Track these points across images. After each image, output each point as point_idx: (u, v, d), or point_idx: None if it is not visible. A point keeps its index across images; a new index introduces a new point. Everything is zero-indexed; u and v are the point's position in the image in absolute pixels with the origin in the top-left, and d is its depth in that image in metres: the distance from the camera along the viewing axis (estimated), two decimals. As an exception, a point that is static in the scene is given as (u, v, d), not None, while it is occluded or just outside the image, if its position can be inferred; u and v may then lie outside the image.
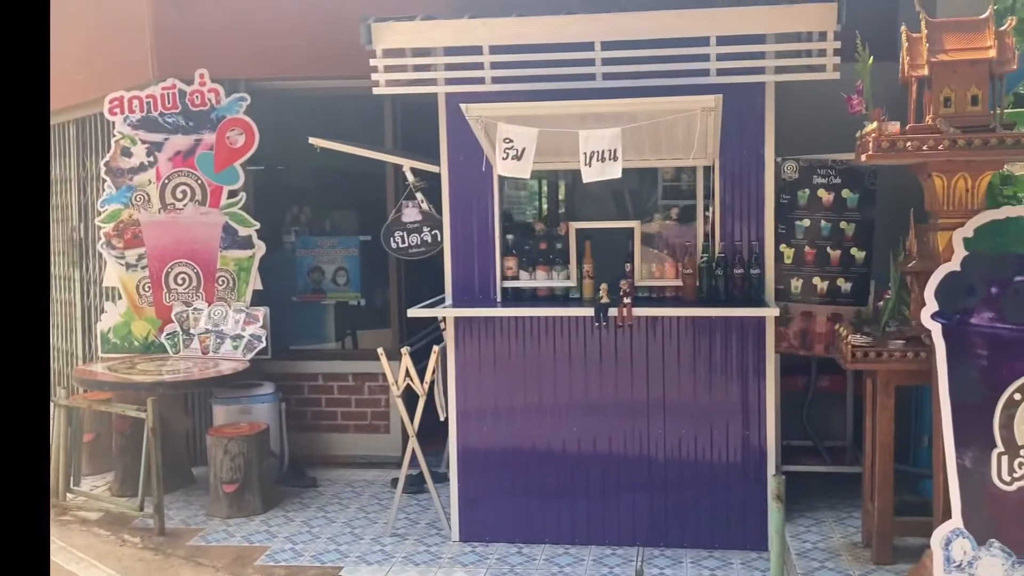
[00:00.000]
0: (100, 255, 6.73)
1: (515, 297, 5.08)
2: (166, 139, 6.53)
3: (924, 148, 3.68)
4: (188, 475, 6.32)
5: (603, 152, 4.19)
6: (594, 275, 4.97)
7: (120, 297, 6.65)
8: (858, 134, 4.06)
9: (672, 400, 4.84)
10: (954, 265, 3.74)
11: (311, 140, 5.41)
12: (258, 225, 6.51)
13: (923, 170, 3.87)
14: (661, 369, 4.84)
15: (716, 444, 4.82)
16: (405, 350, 5.13)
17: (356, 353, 6.97)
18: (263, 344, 6.37)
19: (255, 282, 6.54)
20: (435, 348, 5.09)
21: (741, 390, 4.78)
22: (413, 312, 4.87)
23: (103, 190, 6.62)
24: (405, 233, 5.32)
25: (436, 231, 5.34)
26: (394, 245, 5.39)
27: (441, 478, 5.87)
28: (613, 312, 4.68)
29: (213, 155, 6.47)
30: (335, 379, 6.91)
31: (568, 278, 5.02)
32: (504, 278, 5.05)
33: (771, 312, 4.59)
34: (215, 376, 5.92)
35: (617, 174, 4.19)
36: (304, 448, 6.76)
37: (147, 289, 6.60)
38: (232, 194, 6.50)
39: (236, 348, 6.37)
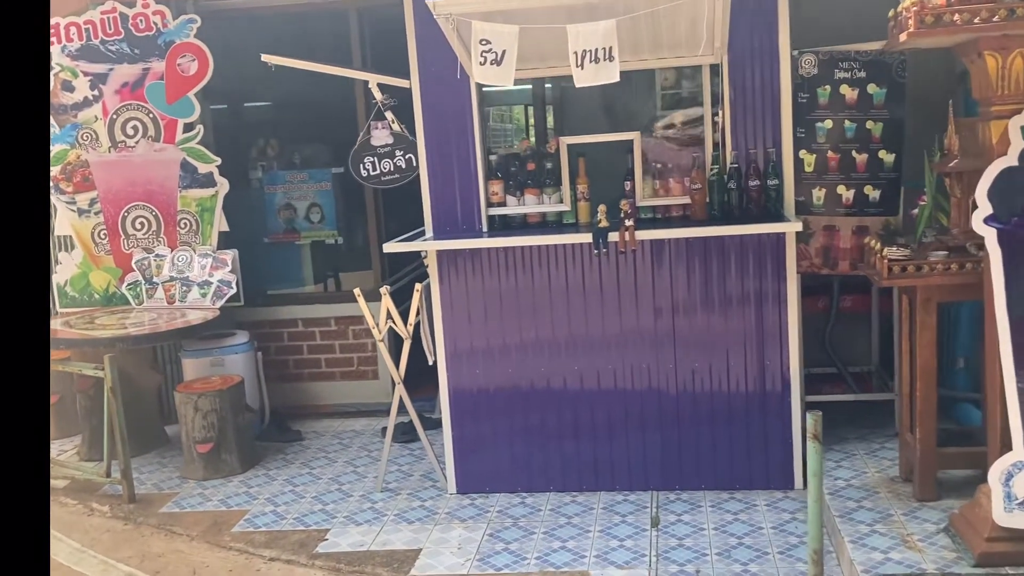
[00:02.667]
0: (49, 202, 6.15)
1: (503, 225, 4.55)
2: (110, 69, 5.89)
3: (976, 21, 3.10)
4: (161, 435, 5.86)
5: (596, 51, 3.61)
6: (590, 197, 4.44)
7: (74, 246, 6.10)
8: (892, 12, 3.48)
9: (683, 330, 4.35)
10: (1011, 160, 3.21)
11: (264, 57, 4.80)
12: (219, 161, 5.92)
13: (972, 50, 3.30)
14: (670, 297, 4.34)
15: (733, 376, 4.35)
16: (384, 289, 4.63)
17: (337, 296, 6.46)
18: (233, 290, 5.84)
19: (220, 223, 5.98)
20: (418, 286, 4.58)
21: (759, 316, 4.29)
22: (390, 247, 4.34)
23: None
24: (376, 159, 4.73)
25: (411, 155, 4.76)
26: (364, 172, 4.81)
27: (435, 424, 5.43)
28: (614, 237, 4.15)
29: (164, 85, 5.85)
30: (316, 324, 6.42)
31: (561, 201, 4.48)
32: (489, 204, 4.51)
33: (792, 227, 4.07)
34: (182, 327, 5.41)
35: (614, 76, 3.62)
36: (287, 400, 6.31)
37: (103, 236, 6.04)
38: (188, 127, 5.90)
39: (204, 296, 5.85)
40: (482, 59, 3.70)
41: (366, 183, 4.81)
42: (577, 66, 3.65)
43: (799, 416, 4.31)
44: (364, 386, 6.40)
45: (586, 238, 4.20)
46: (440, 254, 4.47)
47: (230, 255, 5.92)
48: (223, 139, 6.39)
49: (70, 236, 6.08)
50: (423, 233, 4.60)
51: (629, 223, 4.14)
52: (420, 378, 5.17)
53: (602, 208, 4.18)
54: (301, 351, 6.44)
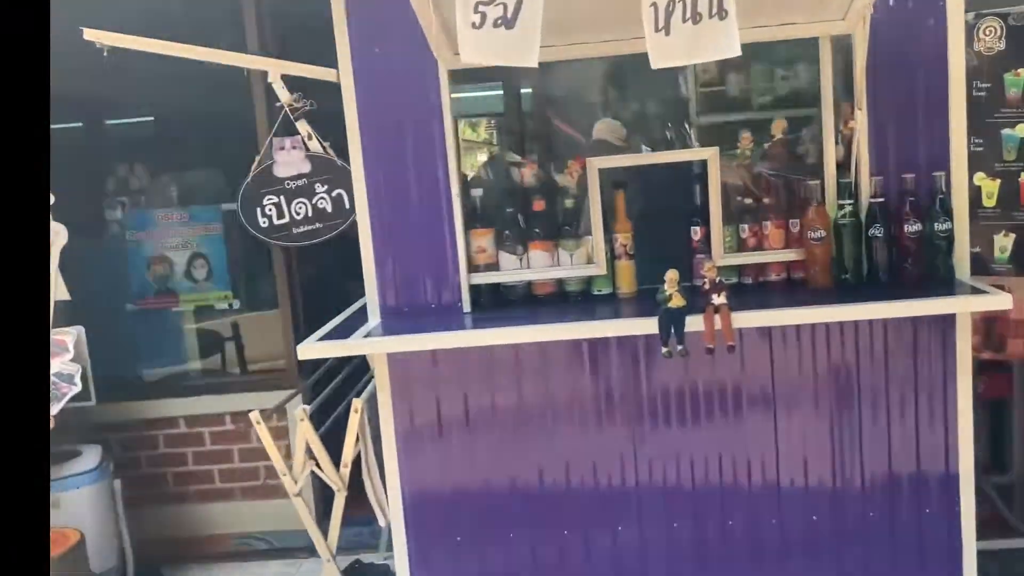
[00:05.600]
0: None
1: (494, 301, 2.82)
2: None
3: None
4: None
5: (695, 5, 1.93)
6: (634, 251, 2.75)
7: None
8: None
9: (793, 482, 2.69)
10: None
11: (87, 34, 2.96)
12: (50, 198, 4.01)
13: None
14: (771, 424, 2.67)
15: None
16: (302, 413, 2.83)
17: (233, 381, 4.61)
18: (77, 387, 3.92)
19: (57, 289, 4.07)
20: (356, 404, 2.81)
21: (915, 448, 2.67)
22: (306, 352, 2.53)
23: None
24: (283, 198, 2.88)
25: (339, 190, 2.92)
26: (263, 221, 2.93)
27: (383, 572, 3.69)
28: (695, 324, 2.46)
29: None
30: (205, 422, 4.55)
31: (589, 260, 2.77)
32: (473, 268, 2.77)
33: (988, 303, 2.44)
34: None
35: (734, 47, 1.95)
36: (163, 533, 4.43)
37: None
38: None
39: (32, 398, 3.93)
40: (476, 19, 1.97)
41: (267, 239, 2.90)
42: (659, 30, 1.95)
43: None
44: (276, 508, 4.55)
45: (643, 326, 2.49)
46: (393, 358, 2.71)
47: (72, 335, 4.00)
48: (61, 165, 4.48)
49: None
50: (363, 313, 2.84)
51: (720, 300, 2.45)
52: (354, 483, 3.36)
53: (672, 276, 2.47)
54: (184, 461, 4.57)
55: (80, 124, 5.15)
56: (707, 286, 2.48)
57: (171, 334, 4.70)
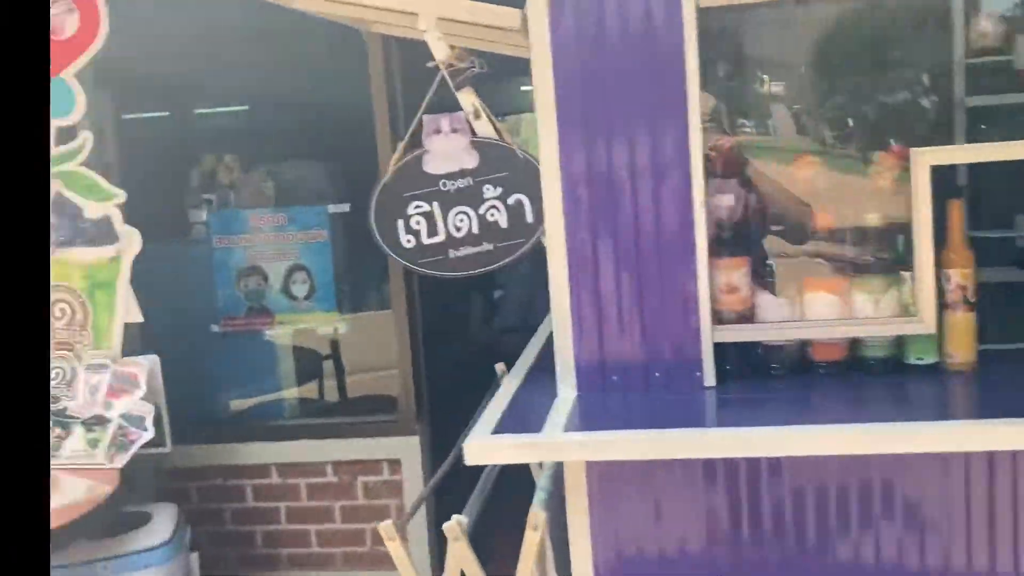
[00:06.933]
0: None
1: (749, 368, 1.85)
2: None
3: None
4: None
5: None
6: (973, 297, 1.75)
7: None
8: None
9: None
10: None
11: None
12: (121, 196, 3.21)
13: None
14: None
15: None
16: (455, 530, 1.89)
17: (338, 425, 3.74)
18: (149, 433, 3.12)
19: (127, 309, 3.27)
20: (535, 516, 1.87)
21: None
22: (480, 452, 1.60)
23: None
24: (436, 206, 1.90)
25: (519, 194, 1.93)
26: (407, 241, 1.93)
27: None
28: None
29: (16, 57, 3.16)
30: (301, 472, 3.72)
31: (905, 310, 1.77)
32: (717, 318, 1.81)
33: None
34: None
35: None
36: (250, 610, 3.63)
37: (-86, 334, 3.34)
38: (64, 136, 3.21)
39: (95, 446, 3.14)
40: None
41: (413, 265, 1.92)
42: None
43: None
44: (382, 579, 3.70)
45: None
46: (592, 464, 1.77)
47: (143, 367, 3.21)
48: (136, 156, 3.71)
49: None
50: (541, 375, 1.92)
51: None
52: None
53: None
54: (276, 518, 3.74)
55: (168, 113, 4.39)
56: None
57: (263, 361, 3.87)
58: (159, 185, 3.77)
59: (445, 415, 3.85)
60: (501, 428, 1.69)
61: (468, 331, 5.08)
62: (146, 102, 4.07)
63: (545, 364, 2.03)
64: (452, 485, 2.13)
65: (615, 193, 1.80)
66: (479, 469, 2.11)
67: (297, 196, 3.82)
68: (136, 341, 3.38)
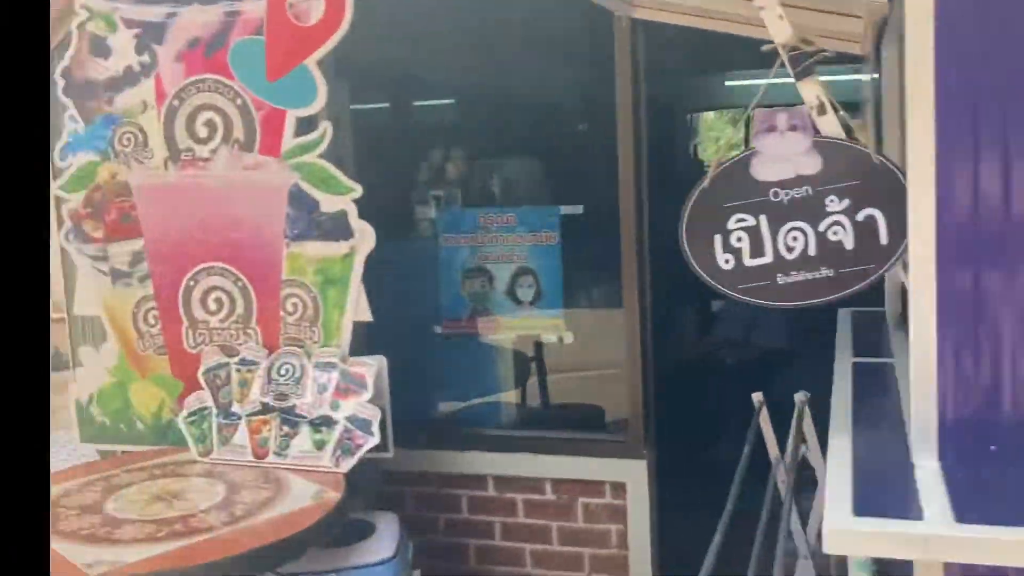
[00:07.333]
0: (64, 255, 3.48)
1: None
2: (171, 16, 3.19)
3: None
4: None
5: None
6: None
7: (105, 337, 3.43)
8: None
9: None
10: None
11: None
12: (358, 191, 3.09)
13: None
14: None
15: None
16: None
17: (559, 441, 3.50)
18: (375, 438, 2.99)
19: (358, 307, 3.16)
20: None
21: None
22: (847, 541, 1.28)
23: (62, 128, 3.37)
24: (763, 220, 1.58)
25: (871, 209, 1.56)
26: (725, 261, 1.61)
27: None
28: None
29: (264, 43, 3.09)
30: (518, 487, 3.52)
31: None
32: None
33: None
34: (276, 542, 2.56)
35: None
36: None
37: (152, 321, 3.35)
38: (305, 127, 3.12)
39: (321, 446, 3.04)
40: None
41: (731, 292, 1.60)
42: None
43: None
44: (602, 610, 3.44)
45: None
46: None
47: (372, 367, 3.08)
48: (362, 149, 3.59)
49: (98, 318, 3.42)
50: (888, 424, 1.57)
51: None
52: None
53: None
54: (490, 533, 3.56)
55: (387, 105, 4.30)
56: None
57: (483, 367, 3.69)
58: (386, 179, 3.65)
59: (670, 435, 3.55)
60: (861, 508, 1.36)
61: (684, 344, 4.74)
62: (375, 93, 3.97)
63: (865, 412, 1.69)
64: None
65: (1015, 215, 1.43)
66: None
67: (525, 195, 3.62)
68: (361, 341, 3.26)
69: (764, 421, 2.72)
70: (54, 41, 3.34)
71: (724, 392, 4.30)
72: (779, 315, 4.44)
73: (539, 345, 3.59)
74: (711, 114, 8.88)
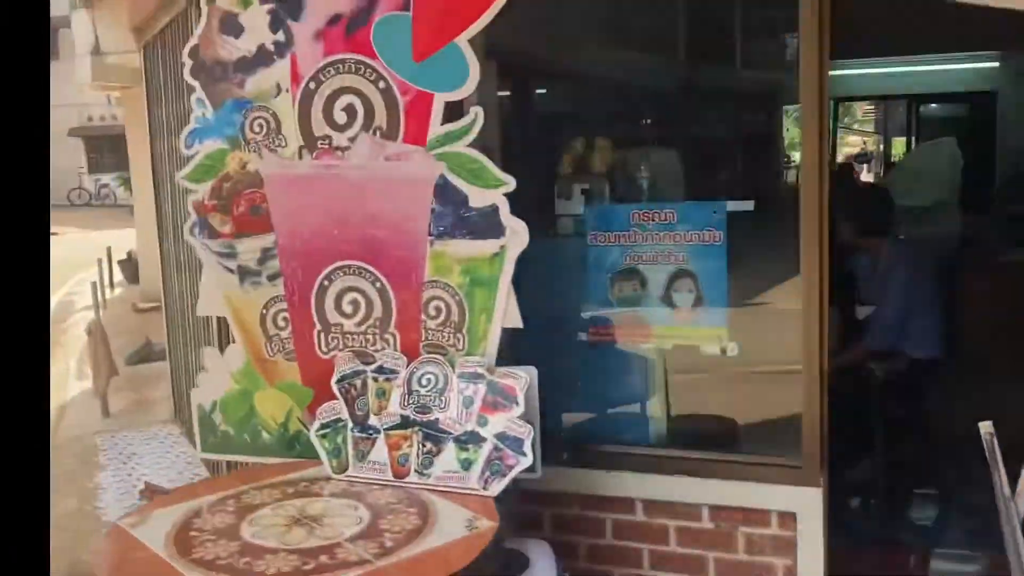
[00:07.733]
0: (189, 250, 3.24)
1: None
2: (309, -9, 2.92)
3: None
4: None
5: None
6: None
7: (231, 339, 3.19)
8: None
9: None
10: None
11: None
12: (511, 184, 2.78)
13: None
14: None
15: None
16: None
17: (717, 462, 3.16)
18: (527, 458, 2.68)
19: (506, 312, 2.85)
20: None
21: None
22: None
23: (189, 112, 3.12)
24: None
25: None
26: None
27: None
28: None
29: (411, 21, 2.80)
30: (671, 512, 3.19)
31: None
32: None
33: None
34: None
35: None
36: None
37: (283, 323, 3.09)
38: (453, 113, 2.82)
39: (468, 466, 2.74)
40: None
41: None
42: None
43: None
44: (766, 655, 3.09)
45: None
46: None
47: (522, 380, 2.77)
48: (510, 139, 3.29)
49: (223, 319, 3.18)
50: None
51: None
52: None
53: None
54: (638, 561, 3.24)
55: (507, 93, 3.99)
56: None
57: (632, 379, 3.36)
58: (529, 171, 3.34)
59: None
60: None
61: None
62: (515, 79, 3.67)
63: None
64: None
65: None
66: None
67: (681, 189, 3.27)
68: (511, 346, 2.96)
69: (993, 455, 2.35)
70: (169, 15, 3.10)
71: (875, 408, 3.92)
72: (929, 323, 4.05)
73: (698, 356, 3.25)
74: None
